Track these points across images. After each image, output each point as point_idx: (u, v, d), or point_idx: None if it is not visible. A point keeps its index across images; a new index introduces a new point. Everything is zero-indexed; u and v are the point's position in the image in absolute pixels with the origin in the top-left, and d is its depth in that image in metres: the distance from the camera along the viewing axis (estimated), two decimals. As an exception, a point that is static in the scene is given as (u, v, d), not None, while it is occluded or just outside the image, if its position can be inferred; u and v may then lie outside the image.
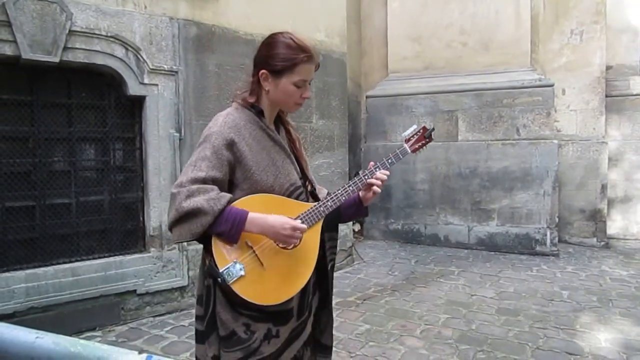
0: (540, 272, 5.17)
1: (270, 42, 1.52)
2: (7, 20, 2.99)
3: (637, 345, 3.24)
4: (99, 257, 3.57)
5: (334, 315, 3.79)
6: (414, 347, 3.24)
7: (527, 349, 3.20)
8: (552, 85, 6.10)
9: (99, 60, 3.44)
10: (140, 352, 2.31)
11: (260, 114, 1.55)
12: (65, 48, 3.25)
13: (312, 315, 1.64)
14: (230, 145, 1.45)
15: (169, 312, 3.82)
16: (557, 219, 6.00)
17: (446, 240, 6.45)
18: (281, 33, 1.53)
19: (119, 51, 3.52)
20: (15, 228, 3.25)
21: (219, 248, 1.42)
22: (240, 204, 1.44)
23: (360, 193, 1.63)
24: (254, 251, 1.44)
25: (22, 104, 3.27)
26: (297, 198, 1.56)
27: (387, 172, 1.60)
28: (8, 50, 3.04)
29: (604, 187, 6.65)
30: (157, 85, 3.72)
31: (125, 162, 3.76)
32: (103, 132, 3.62)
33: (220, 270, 1.40)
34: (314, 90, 4.94)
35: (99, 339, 3.31)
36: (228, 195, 1.41)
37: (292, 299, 1.50)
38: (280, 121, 1.67)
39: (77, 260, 3.47)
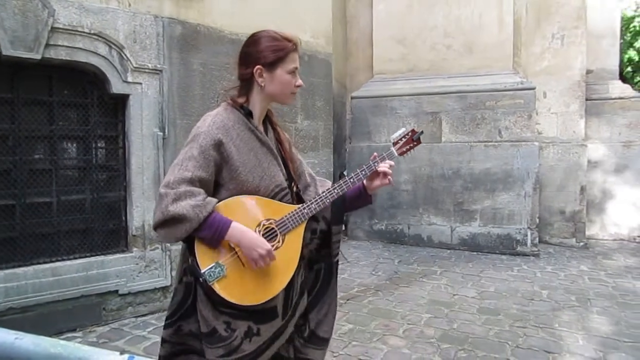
0: (521, 272, 5.25)
1: (256, 40, 1.56)
2: (-12, 16, 2.95)
3: (613, 344, 3.31)
4: (80, 257, 3.52)
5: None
6: (396, 346, 3.27)
7: (507, 347, 3.25)
8: (533, 89, 6.19)
9: (82, 57, 3.40)
10: (122, 352, 2.30)
11: (249, 115, 1.57)
12: (47, 45, 3.21)
13: (296, 316, 1.66)
14: (218, 145, 1.46)
15: (151, 313, 3.79)
16: (537, 220, 6.10)
17: (429, 240, 6.51)
18: (263, 30, 1.58)
19: (102, 49, 3.48)
20: (-6, 227, 3.20)
21: (201, 249, 1.43)
22: (226, 204, 1.47)
23: (365, 182, 1.68)
24: (235, 252, 1.46)
25: (2, 101, 3.21)
26: (281, 199, 1.58)
27: (392, 163, 1.66)
28: (-12, 46, 2.99)
29: (583, 189, 6.78)
30: (140, 83, 3.69)
31: (108, 161, 3.72)
32: (85, 131, 3.58)
33: (202, 271, 1.41)
34: (299, 91, 4.94)
35: (79, 339, 3.27)
36: (214, 201, 1.43)
37: (274, 298, 1.51)
38: (269, 122, 1.70)
39: (57, 260, 3.42)
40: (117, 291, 3.62)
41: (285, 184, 1.60)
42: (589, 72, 7.12)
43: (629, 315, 3.86)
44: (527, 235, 6.01)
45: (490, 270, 5.28)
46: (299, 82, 1.62)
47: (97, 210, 3.64)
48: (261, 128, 1.63)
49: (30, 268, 3.26)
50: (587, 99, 6.94)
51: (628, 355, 3.13)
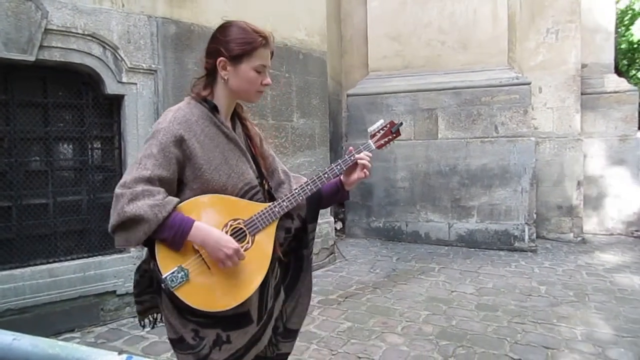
0: (519, 267, 5.26)
1: (225, 29, 1.47)
2: (-20, 18, 2.93)
3: (611, 339, 3.32)
4: (78, 258, 3.52)
5: (316, 313, 3.82)
6: (395, 343, 3.27)
7: (505, 343, 3.26)
8: (529, 84, 6.20)
9: (76, 59, 3.39)
10: (120, 352, 2.29)
11: (214, 109, 1.48)
12: (41, 46, 3.19)
13: (272, 319, 1.59)
14: (179, 142, 1.37)
15: (149, 313, 3.78)
16: (534, 215, 6.12)
17: (427, 237, 6.52)
18: (234, 20, 1.49)
19: (97, 50, 3.47)
20: (-9, 229, 3.19)
21: (162, 252, 1.34)
22: (189, 204, 1.38)
23: (342, 177, 1.62)
24: (200, 255, 1.36)
25: (-3, 103, 3.21)
26: (252, 198, 1.49)
27: (370, 154, 1.61)
28: (-19, 48, 2.98)
29: (579, 184, 6.80)
30: (135, 84, 3.68)
31: (104, 162, 3.71)
32: (81, 132, 3.57)
33: (164, 276, 1.32)
34: (295, 89, 4.94)
35: (78, 340, 3.27)
36: (174, 200, 1.34)
37: (245, 303, 1.43)
38: (237, 117, 1.60)
39: (55, 261, 3.41)
40: (114, 291, 3.62)
41: (255, 182, 1.51)
42: (583, 66, 7.14)
43: (627, 310, 3.88)
44: (524, 231, 6.02)
45: (488, 267, 5.30)
46: (267, 80, 1.49)
47: (94, 211, 3.63)
48: (228, 123, 1.52)
49: (28, 269, 3.25)
50: (582, 94, 6.96)
51: (627, 351, 3.14)
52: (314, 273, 4.98)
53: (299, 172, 5.01)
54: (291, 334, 1.70)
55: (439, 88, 6.48)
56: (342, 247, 6.20)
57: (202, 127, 1.43)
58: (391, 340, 3.33)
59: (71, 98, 3.53)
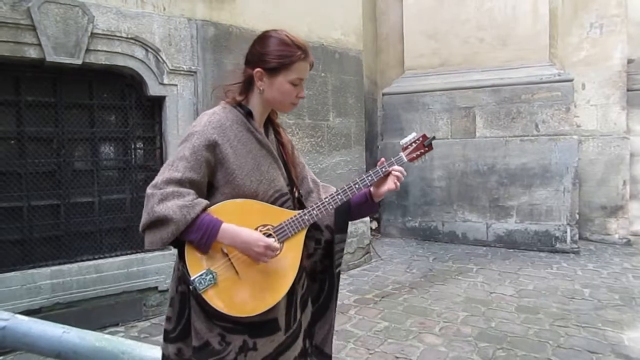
0: (561, 269, 5.11)
1: (265, 39, 1.46)
2: (32, 24, 3.07)
3: (660, 344, 3.19)
4: (122, 255, 3.64)
5: (353, 312, 3.82)
6: (432, 344, 3.24)
7: (547, 347, 3.18)
8: (571, 80, 6.01)
9: (120, 61, 3.51)
10: (164, 347, 2.34)
11: (249, 115, 1.48)
12: (88, 50, 3.32)
13: (302, 330, 1.56)
14: (212, 146, 1.38)
15: (189, 309, 3.86)
16: (577, 216, 5.92)
17: (464, 237, 6.41)
18: (275, 30, 1.48)
19: (139, 52, 3.58)
20: (41, 226, 3.33)
21: (192, 254, 1.35)
22: (218, 208, 1.38)
23: (372, 189, 1.58)
24: (229, 259, 1.37)
25: (47, 105, 3.36)
26: (281, 205, 1.49)
27: (401, 169, 1.56)
28: (33, 53, 3.12)
29: (625, 183, 6.53)
30: (176, 85, 3.77)
31: (146, 162, 3.82)
32: (124, 132, 3.69)
33: (192, 278, 1.33)
34: (331, 88, 4.95)
35: (121, 334, 3.38)
36: (204, 202, 1.34)
37: (273, 310, 1.42)
38: (270, 123, 1.60)
39: (100, 258, 3.55)
40: (156, 287, 3.72)
41: (286, 189, 1.51)
42: (630, 61, 6.84)
43: (677, 314, 3.72)
44: (566, 232, 5.84)
45: (528, 268, 5.17)
46: (302, 93, 1.49)
47: (137, 209, 3.74)
48: (262, 130, 1.52)
49: (75, 265, 3.39)
50: (628, 90, 6.67)
51: (677, 356, 3.01)
52: (349, 272, 5.01)
53: (335, 172, 5.04)
54: (325, 359, 1.64)
55: (477, 86, 6.36)
56: (378, 246, 6.18)
57: (236, 132, 1.44)
58: (429, 340, 3.30)
59: (115, 100, 3.66)
